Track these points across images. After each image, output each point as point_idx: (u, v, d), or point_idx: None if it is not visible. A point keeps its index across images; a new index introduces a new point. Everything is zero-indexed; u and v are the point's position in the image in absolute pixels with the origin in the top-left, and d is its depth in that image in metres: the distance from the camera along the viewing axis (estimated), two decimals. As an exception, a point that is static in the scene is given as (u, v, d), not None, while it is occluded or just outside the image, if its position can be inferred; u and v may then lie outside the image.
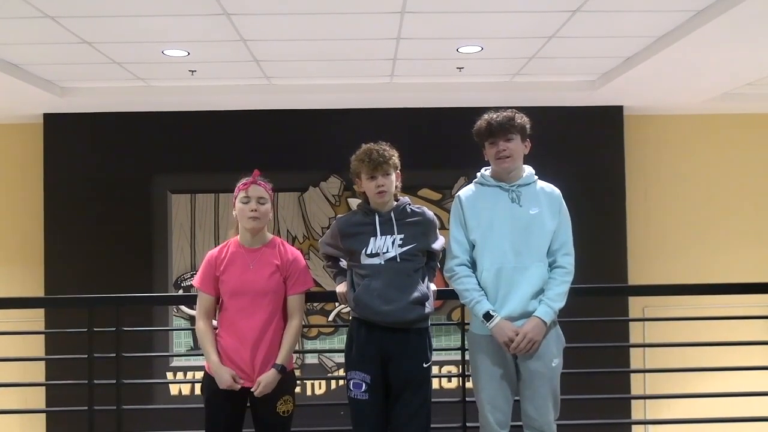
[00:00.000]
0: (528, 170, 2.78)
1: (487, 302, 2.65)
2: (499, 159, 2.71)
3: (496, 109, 2.78)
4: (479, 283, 2.70)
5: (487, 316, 2.63)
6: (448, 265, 2.76)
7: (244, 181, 2.81)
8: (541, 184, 2.78)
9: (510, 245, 2.66)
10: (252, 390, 2.70)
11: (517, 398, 2.74)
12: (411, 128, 5.75)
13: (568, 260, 2.72)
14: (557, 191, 2.78)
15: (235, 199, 2.80)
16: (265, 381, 2.69)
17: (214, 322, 2.87)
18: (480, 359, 2.71)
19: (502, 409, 2.68)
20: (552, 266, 2.71)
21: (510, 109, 2.75)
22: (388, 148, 2.77)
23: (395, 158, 2.78)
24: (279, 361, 2.72)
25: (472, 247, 2.72)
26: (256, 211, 2.75)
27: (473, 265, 2.73)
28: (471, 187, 2.80)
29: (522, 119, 2.73)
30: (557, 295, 2.66)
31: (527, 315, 2.64)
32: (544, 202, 2.72)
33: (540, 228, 2.69)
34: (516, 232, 2.67)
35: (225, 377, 2.69)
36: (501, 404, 2.68)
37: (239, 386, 2.70)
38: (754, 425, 3.58)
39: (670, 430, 5.67)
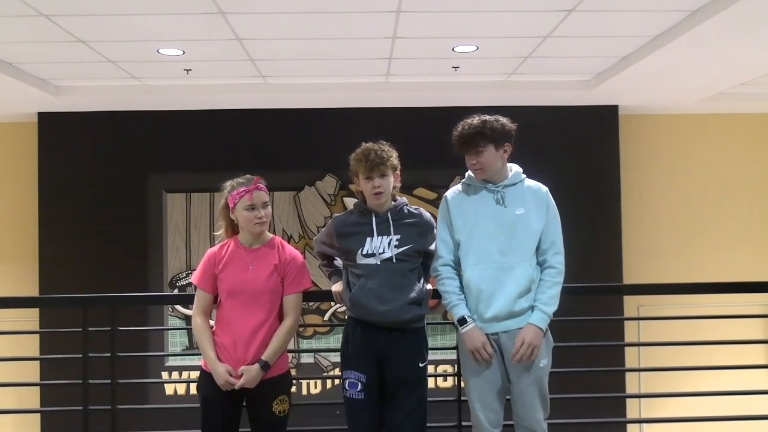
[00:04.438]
0: (515, 169, 2.78)
1: (464, 307, 2.67)
2: (472, 171, 2.73)
3: (488, 111, 2.77)
4: (462, 284, 2.70)
5: (462, 321, 2.64)
6: (433, 265, 2.78)
7: (244, 187, 2.77)
8: (529, 182, 2.78)
9: (495, 245, 2.66)
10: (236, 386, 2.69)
11: (508, 398, 2.75)
12: (406, 127, 5.73)
13: (558, 259, 2.71)
14: (544, 189, 2.78)
15: (234, 205, 2.77)
16: (247, 374, 2.68)
17: (211, 321, 2.87)
18: (470, 359, 2.71)
19: (493, 408, 2.69)
20: (543, 266, 2.71)
21: (485, 116, 2.71)
22: (387, 149, 2.77)
23: (393, 159, 2.77)
24: (264, 357, 2.71)
25: (458, 246, 2.73)
26: (262, 217, 2.76)
27: (458, 265, 2.74)
28: (458, 187, 2.82)
29: (494, 126, 2.67)
30: (550, 298, 2.66)
31: (514, 315, 2.65)
32: (531, 202, 2.72)
33: (526, 228, 2.68)
34: (501, 233, 2.67)
35: (220, 372, 2.69)
36: (492, 403, 2.68)
37: (236, 384, 2.68)
38: (749, 423, 3.59)
39: (665, 428, 5.67)
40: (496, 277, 2.65)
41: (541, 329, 2.63)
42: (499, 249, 2.66)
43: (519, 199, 2.72)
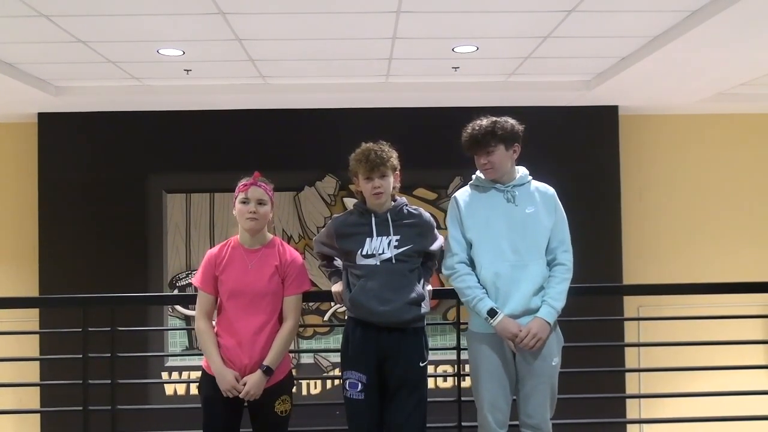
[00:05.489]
0: (522, 171, 2.82)
1: (489, 299, 2.67)
2: (483, 171, 2.76)
3: (488, 111, 2.79)
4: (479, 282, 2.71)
5: (492, 313, 2.64)
6: (447, 263, 2.77)
7: (244, 181, 2.80)
8: (536, 184, 2.81)
9: (508, 244, 2.68)
10: (240, 393, 2.69)
11: (514, 397, 2.76)
12: (406, 128, 5.74)
13: (567, 257, 2.75)
14: (551, 190, 2.81)
15: (235, 199, 2.79)
16: (250, 382, 2.68)
17: (214, 322, 2.87)
18: (480, 358, 2.72)
19: (501, 408, 2.70)
20: (552, 264, 2.73)
21: (494, 117, 2.75)
22: (386, 149, 2.77)
23: (393, 159, 2.77)
24: (266, 362, 2.70)
25: (470, 246, 2.74)
26: (254, 212, 2.75)
27: (471, 264, 2.74)
28: (467, 188, 2.83)
29: (505, 126, 2.73)
30: (558, 294, 2.69)
31: (530, 312, 2.66)
32: (540, 201, 2.75)
33: (536, 226, 2.71)
34: (513, 231, 2.69)
35: (228, 378, 2.68)
36: (500, 404, 2.69)
37: (241, 393, 2.68)
38: (748, 424, 3.59)
39: (665, 429, 5.68)
40: (511, 275, 2.67)
41: (549, 323, 2.64)
42: (512, 247, 2.68)
43: (528, 198, 2.75)
